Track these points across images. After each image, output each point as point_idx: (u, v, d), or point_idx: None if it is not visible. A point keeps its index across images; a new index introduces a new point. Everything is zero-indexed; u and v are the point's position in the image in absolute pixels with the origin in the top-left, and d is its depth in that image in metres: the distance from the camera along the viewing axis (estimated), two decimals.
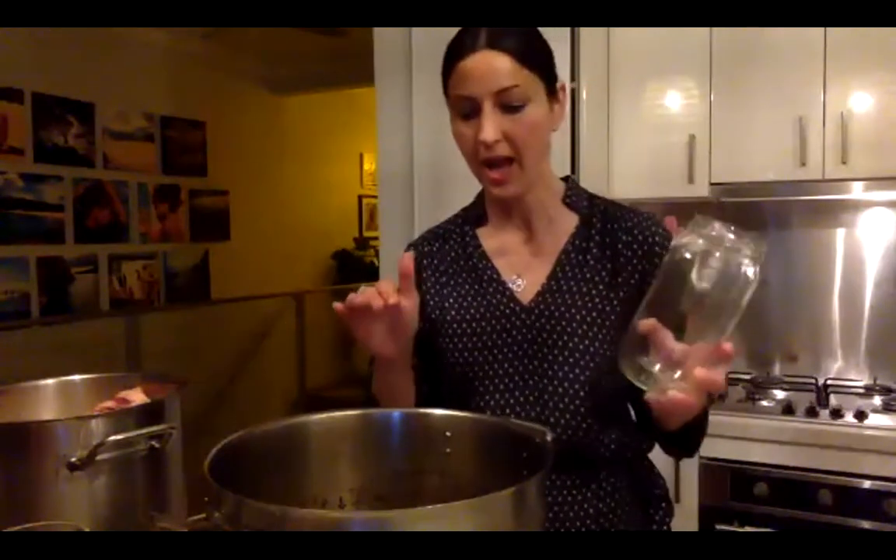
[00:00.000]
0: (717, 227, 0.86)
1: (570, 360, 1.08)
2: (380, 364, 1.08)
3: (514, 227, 1.17)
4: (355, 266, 5.76)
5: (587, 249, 1.13)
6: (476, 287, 1.16)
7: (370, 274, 4.96)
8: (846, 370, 2.45)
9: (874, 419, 2.01)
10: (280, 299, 5.14)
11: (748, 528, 2.01)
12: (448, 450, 0.91)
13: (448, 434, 0.91)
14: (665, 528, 1.15)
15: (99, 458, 0.93)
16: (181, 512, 1.04)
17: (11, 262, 3.64)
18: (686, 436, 1.03)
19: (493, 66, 1.03)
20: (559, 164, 2.20)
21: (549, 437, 0.81)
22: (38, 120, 3.73)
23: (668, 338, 0.85)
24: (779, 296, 2.54)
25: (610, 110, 2.36)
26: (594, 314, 1.09)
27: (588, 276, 1.12)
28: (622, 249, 1.12)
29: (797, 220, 2.51)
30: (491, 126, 1.03)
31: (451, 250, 1.21)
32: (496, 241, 1.19)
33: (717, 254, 0.84)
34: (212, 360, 4.53)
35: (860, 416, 2.00)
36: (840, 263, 2.46)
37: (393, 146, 2.47)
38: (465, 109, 1.06)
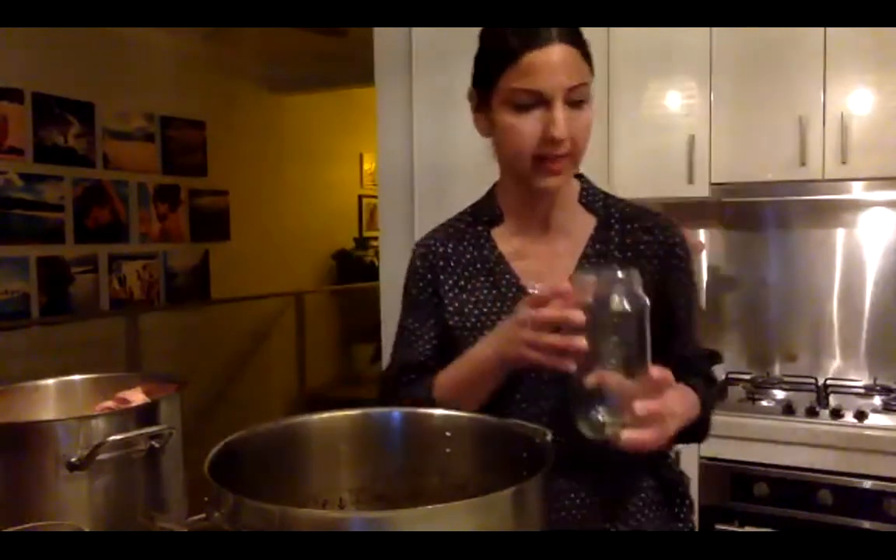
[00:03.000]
0: (601, 271, 0.90)
1: None
2: (490, 368, 1.02)
3: (531, 228, 1.14)
4: (355, 266, 5.76)
5: (607, 253, 1.11)
6: (494, 291, 1.12)
7: (370, 274, 4.96)
8: (846, 370, 2.45)
9: (874, 419, 2.01)
10: (280, 299, 5.14)
11: (748, 528, 2.01)
12: (448, 450, 0.91)
13: (448, 434, 0.91)
14: (690, 525, 1.15)
15: (99, 458, 0.93)
16: (181, 512, 1.04)
17: (11, 262, 3.64)
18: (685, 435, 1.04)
19: (568, 61, 1.01)
20: None
21: (548, 438, 0.81)
22: (38, 120, 3.73)
23: (612, 381, 0.86)
24: (779, 296, 2.54)
25: (610, 110, 2.36)
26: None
27: None
28: (643, 251, 1.11)
29: (797, 220, 2.51)
30: (563, 124, 1.00)
31: (465, 252, 1.16)
32: (512, 243, 1.15)
33: (608, 291, 0.87)
34: (212, 360, 4.53)
35: (860, 416, 2.00)
36: (840, 263, 2.46)
37: (393, 146, 2.47)
38: (523, 102, 1.02)
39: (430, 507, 0.71)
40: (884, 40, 2.08)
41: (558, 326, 0.90)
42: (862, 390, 2.29)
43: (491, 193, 1.20)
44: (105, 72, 4.05)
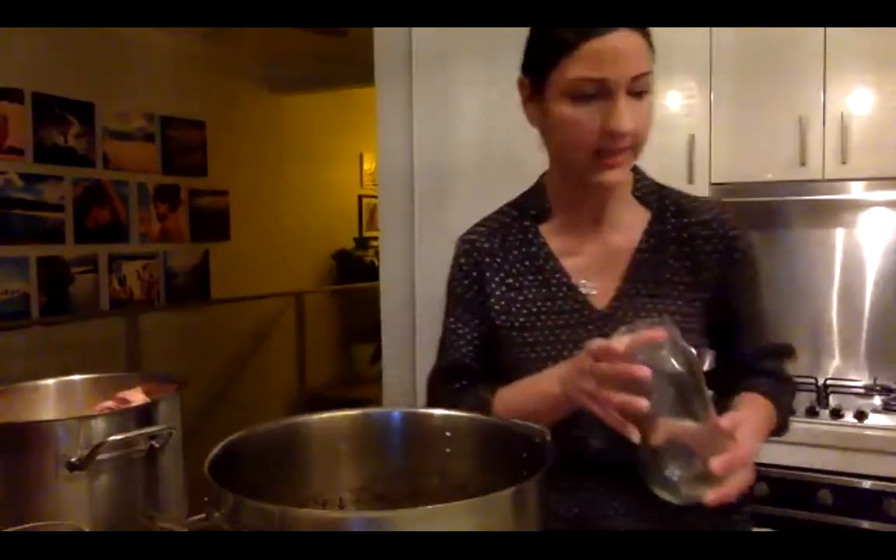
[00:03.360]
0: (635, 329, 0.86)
1: None
2: (556, 404, 0.96)
3: (581, 223, 1.08)
4: (355, 266, 5.76)
5: (663, 248, 1.05)
6: (544, 290, 1.07)
7: (370, 274, 4.96)
8: (846, 370, 2.45)
9: (874, 419, 2.00)
10: (280, 299, 5.15)
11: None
12: (448, 450, 0.91)
13: (448, 434, 0.91)
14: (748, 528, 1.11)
15: (99, 458, 0.93)
16: (181, 512, 1.04)
17: (11, 262, 3.64)
18: None
19: (633, 48, 0.95)
20: None
21: (548, 437, 0.81)
22: (38, 120, 3.73)
23: (678, 434, 0.83)
24: (779, 296, 2.54)
25: None
26: (676, 319, 0.98)
27: (667, 277, 1.04)
28: (701, 246, 1.05)
29: (797, 220, 2.51)
30: (628, 115, 0.94)
31: (512, 248, 1.11)
32: (562, 239, 1.09)
33: (653, 353, 0.84)
34: (212, 360, 4.53)
35: (860, 416, 2.00)
36: (840, 263, 2.46)
37: (393, 146, 2.47)
38: (584, 93, 0.95)
39: (430, 507, 0.72)
40: (884, 40, 2.07)
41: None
42: (862, 390, 2.29)
43: (539, 186, 1.13)
44: (105, 72, 4.05)
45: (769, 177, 2.23)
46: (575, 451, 1.00)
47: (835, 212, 2.45)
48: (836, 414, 2.03)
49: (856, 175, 2.16)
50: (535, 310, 1.06)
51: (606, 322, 1.02)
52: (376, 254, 3.01)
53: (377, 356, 2.66)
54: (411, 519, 0.65)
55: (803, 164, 2.17)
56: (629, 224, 1.07)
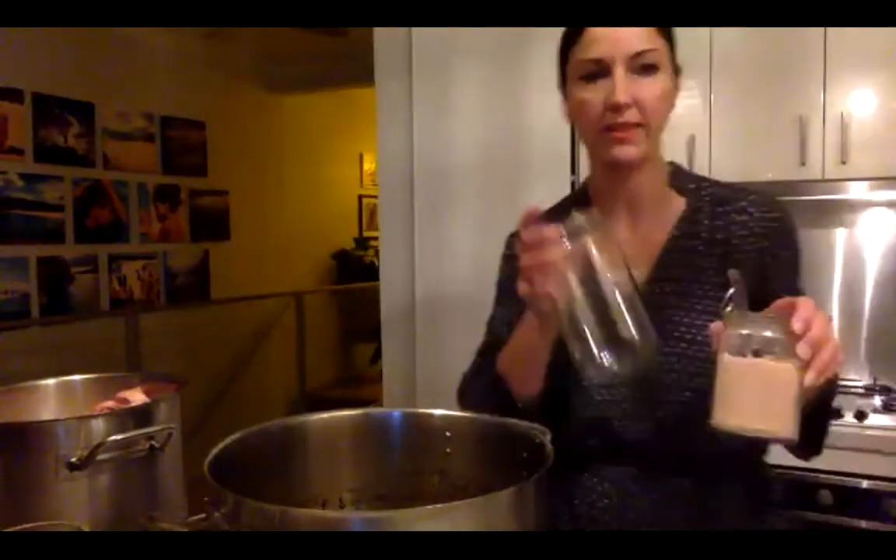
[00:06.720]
0: None
1: (677, 355, 1.01)
2: (535, 328, 0.97)
3: (617, 213, 1.09)
4: (355, 266, 5.77)
5: (696, 235, 1.07)
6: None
7: (370, 274, 4.97)
8: (846, 370, 2.45)
9: (874, 419, 2.00)
10: (280, 299, 5.15)
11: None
12: (448, 450, 0.91)
13: (448, 434, 0.91)
14: None
15: (99, 458, 0.93)
16: (181, 512, 1.04)
17: (11, 262, 3.64)
18: (818, 418, 1.02)
19: (629, 29, 1.01)
20: (560, 165, 2.21)
21: (548, 437, 0.81)
22: (38, 120, 3.73)
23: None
24: None
25: None
26: (705, 302, 1.03)
27: (697, 263, 1.05)
28: (736, 230, 1.06)
29: (797, 220, 2.50)
30: (623, 88, 0.98)
31: None
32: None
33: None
34: (212, 360, 4.53)
35: (860, 416, 2.00)
36: (840, 263, 2.46)
37: (393, 146, 2.47)
38: (588, 73, 1.01)
39: (430, 506, 0.72)
40: (884, 40, 2.07)
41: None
42: (862, 390, 2.29)
43: (583, 185, 1.18)
44: (105, 72, 4.05)
45: (769, 177, 2.23)
46: (612, 440, 1.03)
47: (835, 212, 2.45)
48: (836, 414, 2.03)
49: (856, 175, 2.16)
50: None
51: None
52: (376, 254, 3.01)
53: (377, 356, 2.66)
54: (411, 519, 0.65)
55: (803, 164, 2.17)
56: (664, 215, 1.09)
